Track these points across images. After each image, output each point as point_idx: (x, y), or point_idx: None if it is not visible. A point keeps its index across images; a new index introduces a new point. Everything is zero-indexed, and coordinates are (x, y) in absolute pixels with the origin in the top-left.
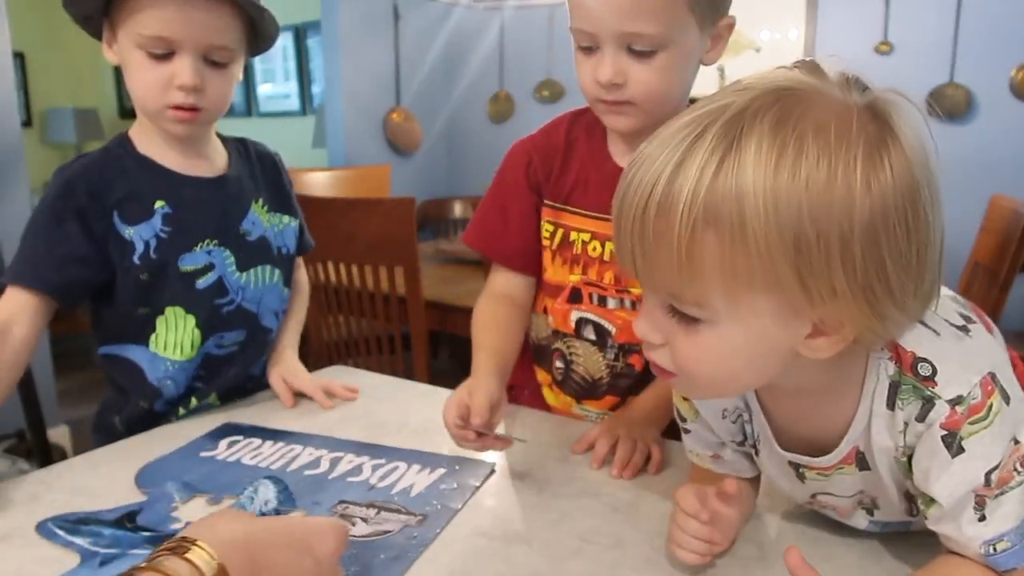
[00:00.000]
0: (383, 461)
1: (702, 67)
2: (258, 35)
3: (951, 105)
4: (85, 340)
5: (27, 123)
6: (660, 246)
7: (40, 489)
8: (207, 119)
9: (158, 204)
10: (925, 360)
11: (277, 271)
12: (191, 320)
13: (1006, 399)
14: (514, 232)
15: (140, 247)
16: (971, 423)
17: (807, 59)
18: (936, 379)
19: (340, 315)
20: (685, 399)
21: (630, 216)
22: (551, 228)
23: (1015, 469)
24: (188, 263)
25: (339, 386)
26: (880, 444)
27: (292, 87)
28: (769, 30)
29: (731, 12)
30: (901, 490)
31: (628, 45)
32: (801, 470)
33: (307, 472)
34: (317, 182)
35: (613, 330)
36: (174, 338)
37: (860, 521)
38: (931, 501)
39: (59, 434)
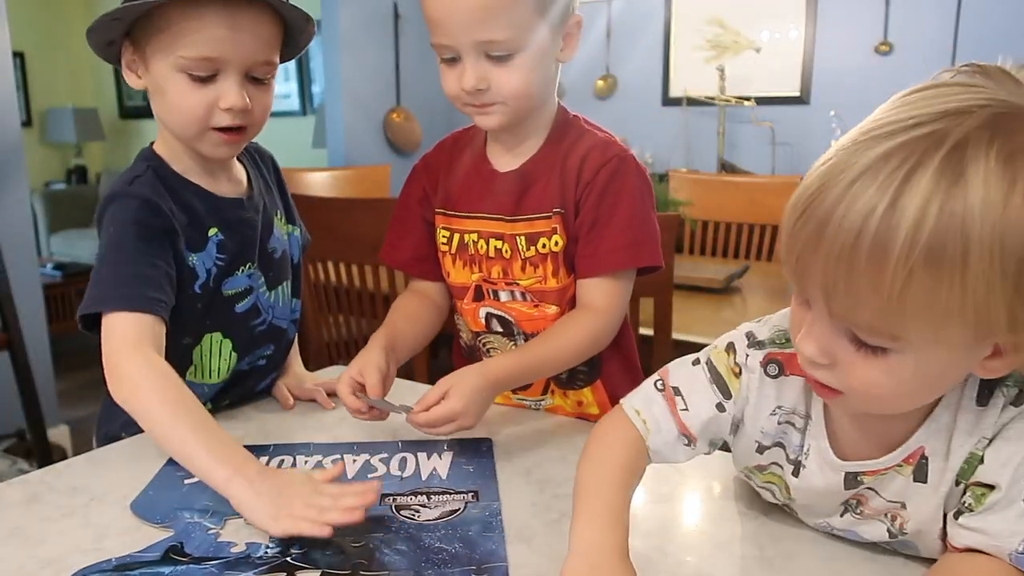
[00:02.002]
0: (387, 455)
1: (701, 67)
2: (289, 43)
3: None
4: (85, 340)
5: (27, 123)
6: (868, 283)
7: (40, 489)
8: (251, 137)
9: (212, 232)
10: None
11: (289, 283)
12: (228, 344)
13: None
14: (410, 242)
15: (203, 276)
16: None
17: (991, 65)
18: None
19: (340, 315)
20: (736, 376)
21: (835, 251)
22: (447, 234)
23: None
24: (230, 287)
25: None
26: (961, 443)
27: (292, 87)
28: (769, 30)
29: (728, 13)
30: (944, 510)
31: (486, 52)
32: (859, 478)
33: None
34: (317, 182)
35: (514, 320)
36: (210, 364)
37: (878, 529)
38: (987, 490)
39: (59, 434)
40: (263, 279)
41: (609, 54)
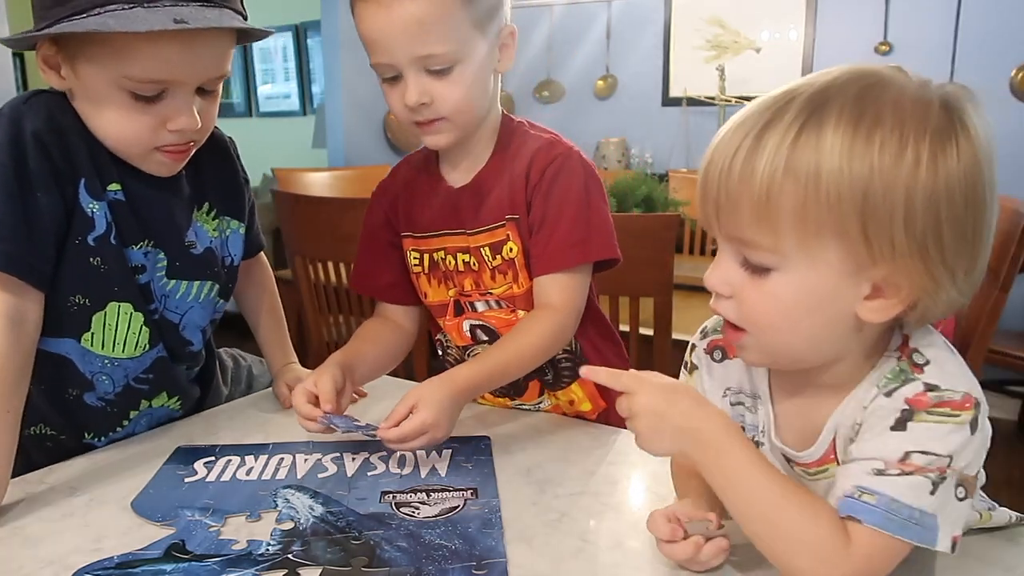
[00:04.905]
0: (386, 453)
1: (701, 67)
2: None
3: None
4: None
5: None
6: (743, 192)
7: (40, 489)
8: (198, 147)
9: (112, 187)
10: (921, 353)
11: (217, 286)
12: (139, 318)
13: (973, 429)
14: (381, 268)
15: (101, 227)
16: (928, 412)
17: (891, 64)
18: (925, 369)
19: (340, 315)
20: (691, 373)
21: (717, 168)
22: (417, 255)
23: (930, 475)
24: (131, 260)
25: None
26: (846, 434)
27: (292, 87)
28: (769, 30)
29: (728, 13)
30: None
31: (426, 67)
32: (795, 468)
33: (320, 476)
34: (317, 182)
35: (495, 329)
36: (114, 336)
37: None
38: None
39: None
40: (164, 264)
41: (609, 54)
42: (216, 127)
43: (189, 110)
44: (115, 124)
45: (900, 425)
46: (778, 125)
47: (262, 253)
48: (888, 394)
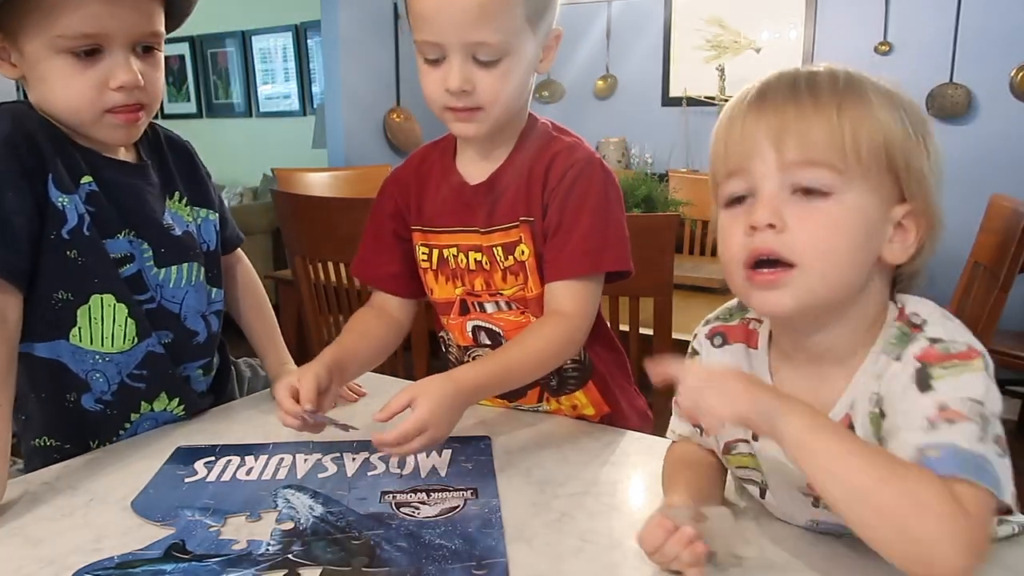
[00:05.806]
0: (386, 452)
1: (701, 67)
2: (173, 13)
3: (951, 105)
4: None
5: None
6: (813, 109)
7: (40, 489)
8: (150, 115)
9: (84, 179)
10: (917, 314)
11: (202, 269)
12: (123, 310)
13: (989, 376)
14: (384, 257)
15: (73, 220)
16: (943, 367)
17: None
18: (924, 327)
19: (340, 315)
20: (691, 359)
21: (779, 100)
22: (426, 250)
23: (974, 420)
24: (113, 250)
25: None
26: (862, 406)
27: (292, 87)
28: (769, 30)
29: (728, 13)
30: None
31: (474, 54)
32: None
33: (320, 476)
34: (317, 182)
35: (501, 332)
36: (101, 330)
37: (802, 511)
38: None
39: None
40: (151, 253)
41: (609, 54)
42: (173, 132)
43: (127, 66)
44: (63, 91)
45: (924, 385)
46: (822, 79)
47: (242, 252)
48: (898, 358)
